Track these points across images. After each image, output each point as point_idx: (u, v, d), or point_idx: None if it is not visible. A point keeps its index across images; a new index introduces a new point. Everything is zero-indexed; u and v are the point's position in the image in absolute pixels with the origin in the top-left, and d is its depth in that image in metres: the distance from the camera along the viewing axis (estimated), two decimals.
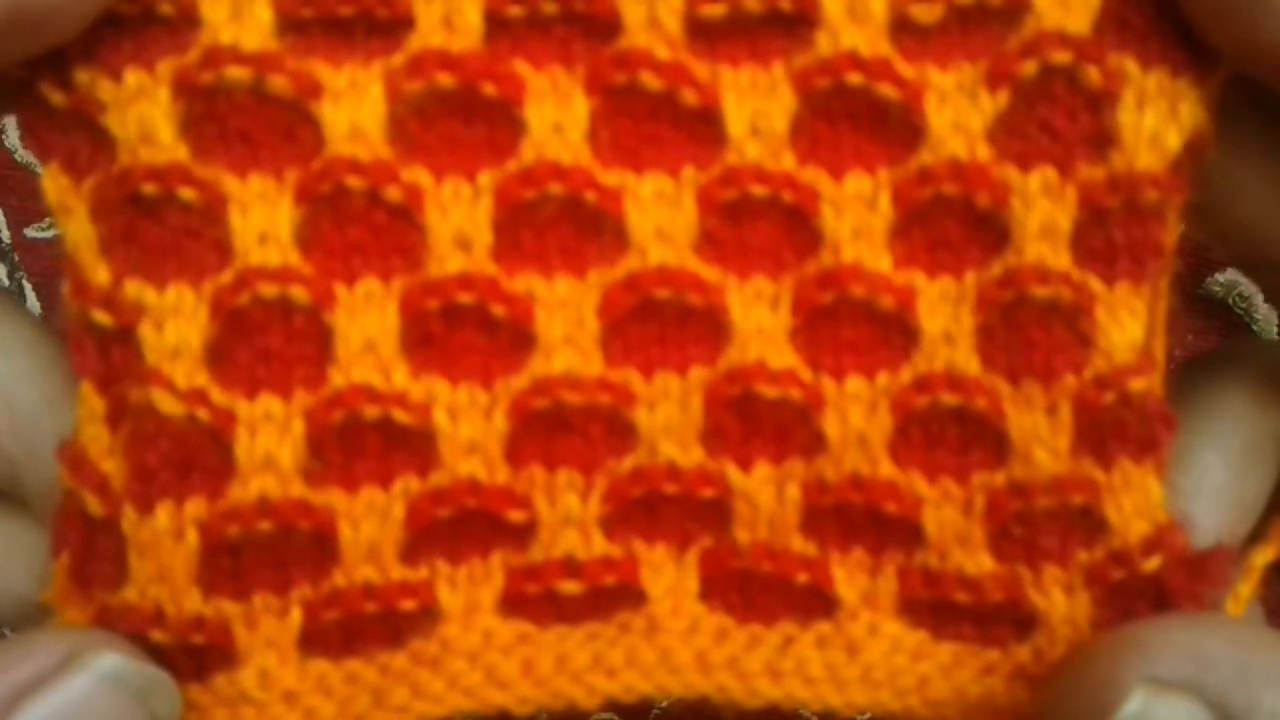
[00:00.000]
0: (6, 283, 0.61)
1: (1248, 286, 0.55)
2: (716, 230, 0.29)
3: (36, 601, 0.29)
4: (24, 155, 0.61)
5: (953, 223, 0.28)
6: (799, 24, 0.28)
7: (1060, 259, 0.28)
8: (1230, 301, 0.56)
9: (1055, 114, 0.27)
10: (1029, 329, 0.28)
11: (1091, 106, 0.27)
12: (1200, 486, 0.30)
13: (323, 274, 0.28)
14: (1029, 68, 0.27)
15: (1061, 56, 0.27)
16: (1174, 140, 0.27)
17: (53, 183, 0.28)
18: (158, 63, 0.27)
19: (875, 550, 0.30)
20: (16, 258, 0.62)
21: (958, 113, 0.28)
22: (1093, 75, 0.27)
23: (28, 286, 0.61)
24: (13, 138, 0.61)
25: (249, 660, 0.28)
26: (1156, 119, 0.27)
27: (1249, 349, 0.34)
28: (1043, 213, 0.28)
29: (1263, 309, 0.56)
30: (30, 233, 0.62)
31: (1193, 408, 0.30)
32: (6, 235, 0.62)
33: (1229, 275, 0.56)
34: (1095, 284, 0.28)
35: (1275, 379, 0.31)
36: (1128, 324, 0.28)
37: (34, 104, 0.28)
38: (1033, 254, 0.28)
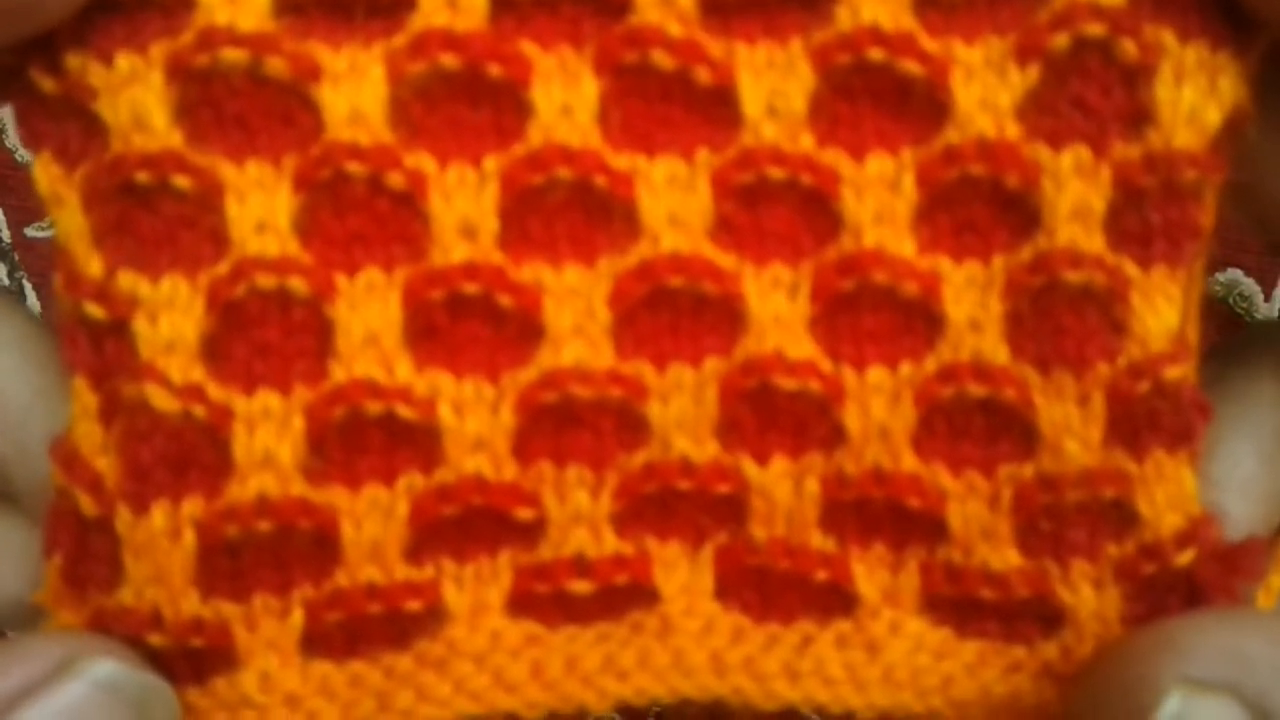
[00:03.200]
0: (6, 282, 0.61)
1: (1248, 286, 0.56)
2: (732, 215, 0.28)
3: (29, 602, 0.28)
4: (24, 155, 0.61)
5: (980, 205, 0.28)
6: None
7: (1093, 242, 0.27)
8: (1230, 301, 0.56)
9: (1089, 90, 0.26)
10: (1060, 316, 0.27)
11: (1127, 81, 0.26)
12: (1231, 476, 0.29)
13: (323, 264, 0.27)
14: (1061, 41, 0.26)
15: (1095, 29, 0.26)
16: (1214, 117, 0.26)
17: (44, 172, 0.27)
18: (151, 46, 0.26)
19: (897, 546, 0.29)
20: (16, 257, 0.62)
21: (985, 89, 0.27)
22: (1128, 48, 0.26)
23: (28, 286, 0.61)
24: (13, 137, 0.61)
25: (249, 663, 0.28)
26: (1195, 94, 0.26)
27: (1277, 333, 0.33)
28: (1075, 194, 0.27)
29: (1263, 309, 0.56)
30: (30, 232, 0.62)
31: (1221, 394, 0.29)
32: (6, 235, 0.62)
33: (1229, 275, 0.56)
34: (1130, 268, 0.27)
35: None
36: (1163, 310, 0.27)
37: (25, 91, 0.27)
38: (1065, 237, 0.27)
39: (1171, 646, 0.25)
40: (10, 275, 0.62)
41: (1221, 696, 0.24)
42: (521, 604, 0.29)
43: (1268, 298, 0.55)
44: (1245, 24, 0.26)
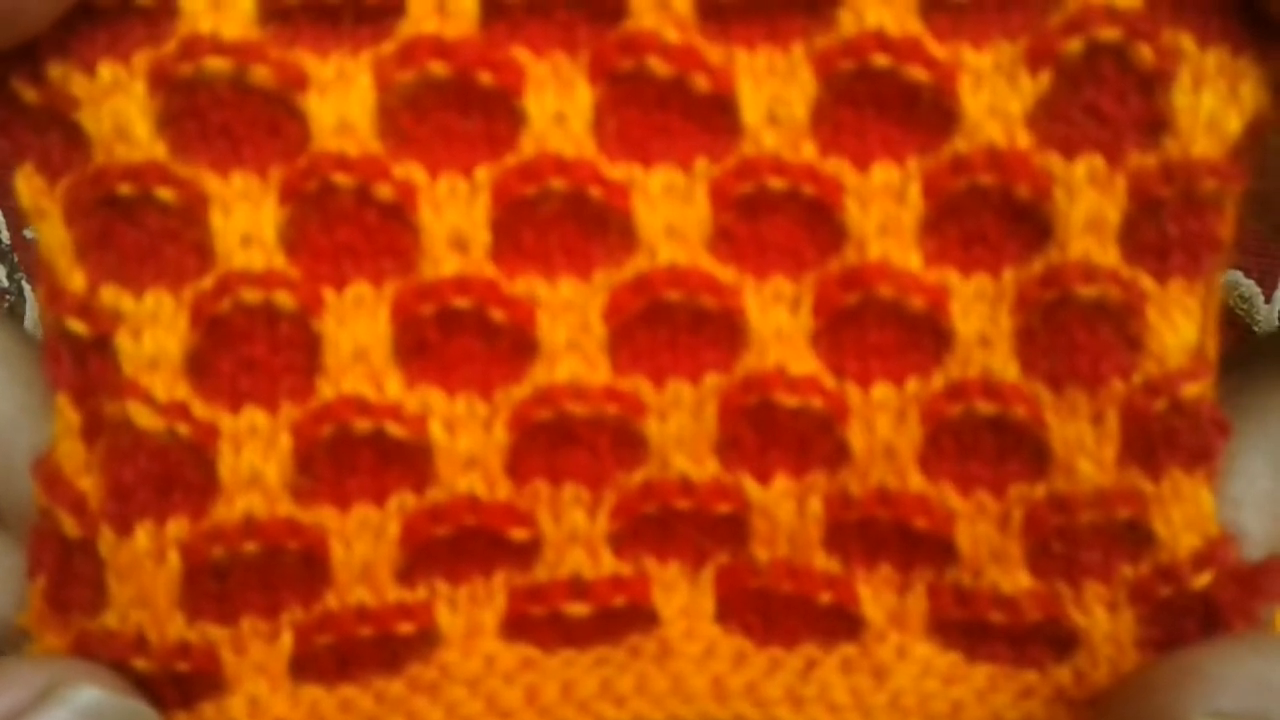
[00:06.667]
0: (6, 283, 0.61)
1: (1249, 287, 0.55)
2: (732, 227, 0.27)
3: (16, 624, 0.28)
4: None
5: (989, 216, 0.27)
6: (820, 2, 0.26)
7: (1108, 255, 0.26)
8: (1230, 302, 0.55)
9: (1103, 96, 0.26)
10: (1073, 331, 0.26)
11: (1143, 88, 0.26)
12: (1247, 493, 0.28)
13: (310, 278, 0.27)
14: (1074, 46, 0.25)
15: (1110, 33, 0.25)
16: (1234, 124, 0.26)
17: (26, 184, 0.27)
18: (134, 55, 0.26)
19: (904, 568, 0.28)
20: (16, 258, 0.62)
21: (995, 96, 0.26)
22: (1145, 54, 0.25)
23: (27, 288, 0.61)
24: None
25: (238, 687, 0.27)
26: (1215, 101, 0.25)
27: None
28: (1089, 204, 0.26)
29: (1263, 309, 0.55)
30: (30, 234, 0.62)
31: (1236, 409, 0.28)
32: (6, 236, 0.62)
33: (1229, 275, 0.55)
34: (1146, 282, 0.26)
35: None
36: (1181, 325, 0.26)
37: (6, 101, 0.27)
38: (1078, 250, 0.26)
39: (1198, 676, 0.25)
40: (9, 277, 0.62)
41: None
42: (516, 627, 0.28)
43: (1268, 299, 0.55)
44: (1268, 27, 0.25)
